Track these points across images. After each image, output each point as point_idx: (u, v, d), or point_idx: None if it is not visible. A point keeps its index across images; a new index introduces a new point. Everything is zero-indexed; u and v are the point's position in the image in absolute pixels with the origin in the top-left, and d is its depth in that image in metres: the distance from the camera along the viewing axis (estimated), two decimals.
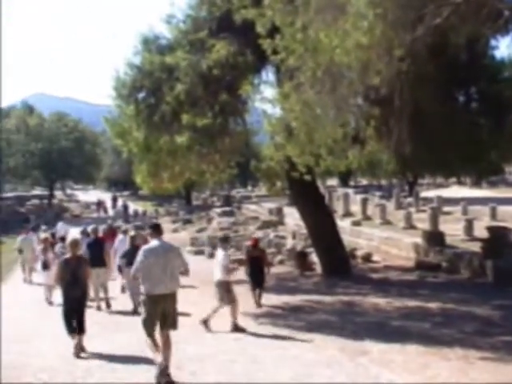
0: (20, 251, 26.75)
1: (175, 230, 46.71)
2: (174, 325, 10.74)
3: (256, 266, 18.07)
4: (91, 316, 16.23)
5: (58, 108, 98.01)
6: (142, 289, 10.66)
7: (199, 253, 32.44)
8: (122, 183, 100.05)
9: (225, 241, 16.30)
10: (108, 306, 18.55)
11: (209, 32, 19.62)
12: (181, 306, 17.39)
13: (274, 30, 14.21)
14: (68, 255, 13.31)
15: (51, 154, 76.76)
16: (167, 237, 40.97)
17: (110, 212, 70.94)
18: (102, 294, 18.57)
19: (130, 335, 13.76)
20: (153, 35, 21.39)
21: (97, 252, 18.35)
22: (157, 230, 11.21)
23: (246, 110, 20.89)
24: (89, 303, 17.66)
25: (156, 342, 10.58)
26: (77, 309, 12.74)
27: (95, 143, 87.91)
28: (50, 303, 19.41)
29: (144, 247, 11.09)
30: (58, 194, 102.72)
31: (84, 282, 13.00)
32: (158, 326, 10.61)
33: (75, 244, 13.43)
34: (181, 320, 15.46)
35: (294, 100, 14.05)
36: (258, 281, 18.03)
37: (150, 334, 10.57)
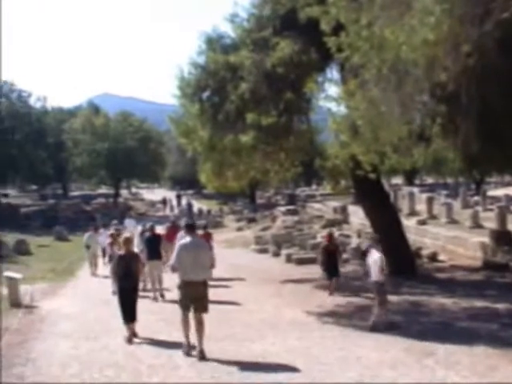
0: (87, 247, 28.06)
1: (239, 229, 46.88)
2: (205, 308, 12.40)
3: (331, 258, 19.84)
4: (150, 307, 16.61)
5: (122, 107, 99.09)
6: (178, 276, 12.41)
7: (263, 251, 32.49)
8: (187, 182, 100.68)
9: (378, 241, 16.76)
10: (162, 296, 19.70)
11: (273, 30, 19.60)
12: (245, 304, 17.61)
13: (338, 28, 14.13)
14: (122, 251, 14.56)
15: (117, 154, 77.69)
16: (232, 235, 41.50)
17: (175, 210, 71.57)
18: (157, 285, 19.93)
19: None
20: (217, 34, 21.49)
21: (154, 247, 20.25)
22: (190, 229, 12.95)
23: (310, 108, 20.84)
24: (146, 294, 19.21)
25: (188, 323, 12.41)
26: (129, 299, 13.86)
27: (160, 142, 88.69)
28: (115, 293, 19.68)
29: (179, 243, 13.01)
30: (124, 192, 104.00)
31: (135, 276, 14.11)
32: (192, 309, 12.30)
33: (128, 241, 14.51)
34: (246, 318, 15.64)
35: (358, 98, 13.95)
36: (333, 271, 19.75)
37: (184, 314, 12.41)
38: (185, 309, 12.41)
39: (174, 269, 12.48)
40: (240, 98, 18.63)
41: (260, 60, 18.80)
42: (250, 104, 18.58)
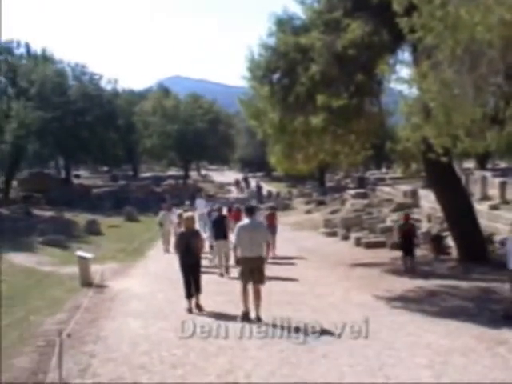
0: (161, 225, 29.63)
1: (308, 212, 46.80)
2: (261, 280, 14.07)
3: (407, 237, 20.89)
4: (219, 288, 16.73)
5: (192, 90, 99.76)
6: (238, 253, 14.11)
7: (332, 234, 32.36)
8: (256, 164, 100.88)
9: None
10: (227, 271, 20.86)
11: (343, 11, 19.35)
12: (314, 288, 17.55)
13: (410, 8, 13.86)
14: (183, 229, 15.83)
15: (186, 135, 78.35)
16: (301, 218, 41.48)
17: (245, 192, 71.87)
18: (223, 262, 21.07)
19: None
20: (287, 16, 21.36)
21: (220, 227, 21.39)
22: (249, 211, 14.64)
23: (381, 90, 20.58)
24: (213, 270, 20.17)
25: (247, 293, 13.99)
26: (192, 273, 15.06)
27: (229, 124, 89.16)
28: None
29: (238, 224, 14.87)
30: (193, 174, 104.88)
31: (196, 252, 15.18)
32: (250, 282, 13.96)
33: (189, 219, 15.76)
34: (314, 302, 15.60)
35: (431, 80, 13.67)
36: (408, 249, 20.76)
37: (244, 286, 14.00)
38: (244, 281, 14.01)
39: (234, 247, 14.35)
40: (310, 80, 18.50)
41: (331, 41, 18.59)
42: (321, 86, 18.44)
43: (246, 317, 13.76)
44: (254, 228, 14.12)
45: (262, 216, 25.54)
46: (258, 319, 13.58)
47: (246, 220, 14.51)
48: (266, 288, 15.84)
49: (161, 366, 10.63)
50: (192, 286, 15.01)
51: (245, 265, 13.94)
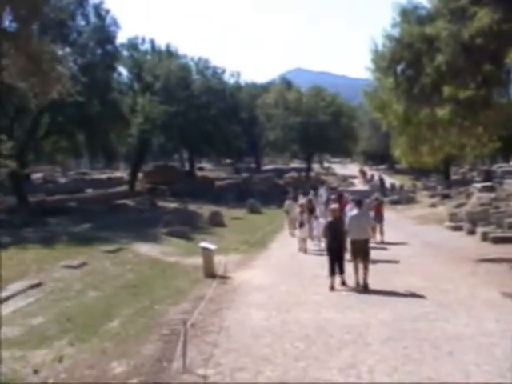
0: (287, 212, 32.69)
1: (433, 205, 45.85)
2: (366, 258, 17.18)
3: None
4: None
5: (314, 82, 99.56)
6: (349, 237, 17.37)
7: (457, 228, 31.51)
8: (379, 157, 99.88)
9: None
10: None
11: None
12: (439, 283, 17.17)
13: None
14: (330, 218, 18.35)
15: (309, 128, 78.29)
16: (425, 211, 40.76)
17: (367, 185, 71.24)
18: None
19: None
20: (411, 6, 21.00)
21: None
22: (358, 204, 18.44)
23: (510, 80, 19.89)
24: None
25: (357, 267, 17.13)
26: (337, 256, 17.27)
27: (352, 117, 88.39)
28: (305, 251, 25.36)
29: (349, 214, 18.55)
30: (316, 167, 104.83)
31: (341, 238, 17.38)
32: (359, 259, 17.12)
33: (335, 210, 18.18)
34: (439, 297, 15.25)
35: None
36: None
37: (354, 262, 17.22)
38: (354, 258, 17.29)
39: (346, 232, 17.29)
40: (436, 71, 18.12)
41: (457, 31, 18.13)
42: (447, 76, 18.03)
43: (357, 285, 16.90)
44: (361, 216, 17.60)
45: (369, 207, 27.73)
46: (365, 287, 16.62)
47: (354, 210, 18.18)
48: (390, 283, 15.64)
49: (283, 358, 10.65)
50: (336, 266, 17.18)
51: (354, 245, 17.29)
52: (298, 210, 28.62)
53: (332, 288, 16.77)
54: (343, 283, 17.26)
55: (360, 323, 12.83)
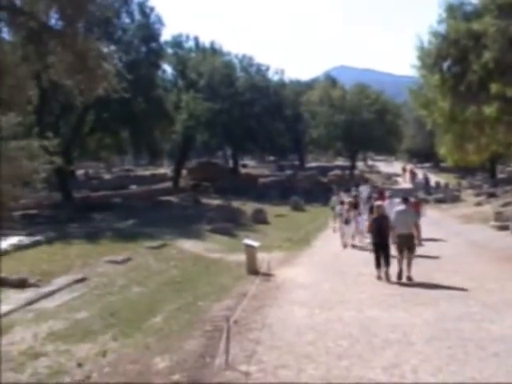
0: (332, 208, 33.25)
1: (478, 204, 45.29)
2: (412, 251, 18.00)
3: None
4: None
5: (358, 80, 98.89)
6: (395, 231, 18.06)
7: (503, 228, 31.04)
8: (423, 155, 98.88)
9: None
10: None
11: None
12: (484, 283, 16.95)
13: None
14: (375, 215, 19.30)
15: (353, 126, 77.78)
16: (470, 210, 40.31)
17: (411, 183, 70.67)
18: None
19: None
20: (458, 1, 20.78)
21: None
22: (404, 201, 20.04)
23: None
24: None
25: (402, 259, 17.89)
26: (382, 250, 18.31)
27: (397, 114, 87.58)
28: (351, 246, 26.18)
29: (395, 209, 19.18)
30: (360, 164, 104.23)
31: (385, 233, 18.35)
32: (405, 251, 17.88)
33: (380, 207, 19.37)
34: (484, 297, 15.02)
35: None
36: None
37: (400, 254, 17.94)
38: (399, 251, 17.98)
39: (392, 227, 18.19)
40: (483, 68, 17.89)
41: (505, 26, 17.88)
42: (494, 73, 17.80)
43: (399, 275, 17.71)
44: (407, 212, 18.64)
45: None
46: (409, 279, 17.49)
47: (400, 206, 19.37)
48: (434, 282, 15.48)
49: (326, 356, 10.57)
50: (381, 259, 18.25)
51: (400, 239, 17.97)
52: (343, 206, 28.51)
53: (379, 278, 18.10)
54: (387, 276, 18.02)
55: (404, 322, 12.70)
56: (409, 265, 17.82)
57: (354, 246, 25.98)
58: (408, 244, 17.98)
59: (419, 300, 14.88)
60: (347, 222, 26.77)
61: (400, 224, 18.13)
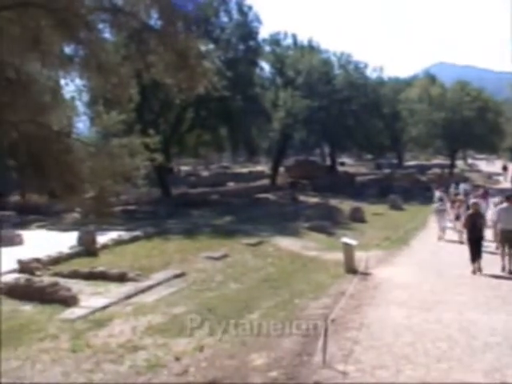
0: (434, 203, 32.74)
1: None
2: None
3: None
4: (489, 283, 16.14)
5: (458, 77, 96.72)
6: (498, 227, 19.29)
7: None
8: None
9: None
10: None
11: None
12: None
13: None
14: (471, 211, 20.62)
15: (453, 124, 76.20)
16: None
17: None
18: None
19: None
20: None
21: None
22: (508, 198, 19.94)
23: None
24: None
25: (504, 254, 19.01)
26: (476, 245, 19.35)
27: (498, 112, 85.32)
28: (461, 243, 24.57)
29: (499, 207, 20.83)
30: (459, 163, 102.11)
31: (480, 229, 19.60)
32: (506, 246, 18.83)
33: (476, 205, 20.91)
34: None
35: None
36: None
37: (502, 249, 19.16)
38: (502, 245, 19.20)
39: (495, 223, 19.55)
40: None
41: None
42: None
43: (503, 269, 18.78)
44: (509, 209, 19.32)
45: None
46: (511, 272, 18.51)
47: (504, 204, 20.18)
48: None
49: (425, 358, 10.44)
50: (476, 253, 19.16)
51: (504, 234, 19.02)
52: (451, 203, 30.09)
53: (474, 272, 18.90)
54: (479, 268, 19.03)
55: (505, 325, 12.40)
56: (510, 260, 18.81)
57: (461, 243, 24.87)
58: (510, 240, 18.82)
59: None
60: (458, 217, 27.38)
61: (503, 220, 19.16)
